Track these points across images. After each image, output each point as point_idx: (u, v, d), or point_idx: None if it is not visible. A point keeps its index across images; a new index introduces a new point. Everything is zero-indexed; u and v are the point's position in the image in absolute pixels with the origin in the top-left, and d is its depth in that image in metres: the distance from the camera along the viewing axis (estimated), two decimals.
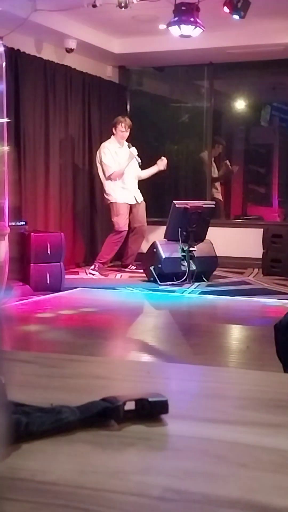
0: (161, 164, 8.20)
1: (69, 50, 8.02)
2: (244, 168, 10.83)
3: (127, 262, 8.32)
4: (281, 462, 0.68)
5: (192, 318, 5.96)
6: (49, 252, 6.58)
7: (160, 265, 7.18)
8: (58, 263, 6.68)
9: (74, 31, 7.85)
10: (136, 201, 8.04)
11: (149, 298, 6.65)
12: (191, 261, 7.25)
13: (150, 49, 8.53)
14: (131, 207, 8.03)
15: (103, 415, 0.76)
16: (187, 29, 6.75)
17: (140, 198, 8.10)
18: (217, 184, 9.80)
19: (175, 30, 6.83)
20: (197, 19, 6.67)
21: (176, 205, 7.28)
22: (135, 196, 8.03)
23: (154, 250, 7.28)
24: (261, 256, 8.18)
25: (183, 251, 7.23)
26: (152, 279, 7.26)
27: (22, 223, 6.84)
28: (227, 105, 10.30)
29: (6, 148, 6.17)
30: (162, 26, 7.33)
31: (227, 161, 9.87)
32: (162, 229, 7.47)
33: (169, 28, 6.82)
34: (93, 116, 8.82)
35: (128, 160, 7.89)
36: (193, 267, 7.26)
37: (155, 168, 8.20)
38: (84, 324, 5.48)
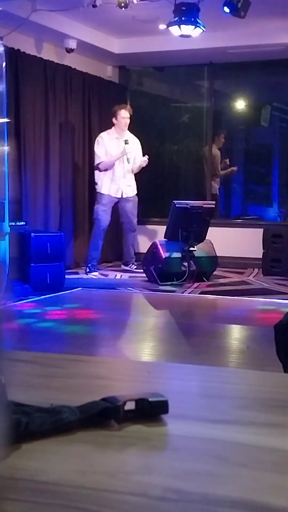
0: (144, 161, 7.96)
1: (69, 50, 8.02)
2: (244, 168, 10.83)
3: (126, 259, 8.30)
4: (281, 462, 0.68)
5: (192, 318, 5.96)
6: (49, 252, 6.58)
7: (160, 265, 7.18)
8: (58, 263, 6.68)
9: (74, 31, 7.85)
10: (122, 196, 7.94)
11: (149, 298, 6.65)
12: (191, 261, 7.25)
13: (150, 49, 8.53)
14: (118, 201, 7.97)
15: (103, 415, 0.76)
16: (187, 29, 6.75)
17: (128, 194, 7.97)
18: (218, 179, 9.76)
19: (175, 30, 6.83)
20: (197, 19, 6.67)
21: (176, 205, 7.28)
22: (122, 190, 7.93)
23: (154, 250, 7.28)
24: (261, 256, 8.18)
25: (183, 251, 7.23)
26: (152, 279, 7.26)
27: (22, 223, 6.84)
28: (227, 105, 10.30)
29: (6, 148, 6.17)
30: (162, 26, 7.33)
31: (227, 160, 9.87)
32: (162, 229, 7.47)
33: (169, 28, 6.82)
34: (93, 116, 8.82)
35: (120, 154, 7.81)
36: (193, 267, 7.26)
37: (141, 162, 7.97)
38: (84, 324, 5.48)
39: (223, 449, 0.72)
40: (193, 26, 6.71)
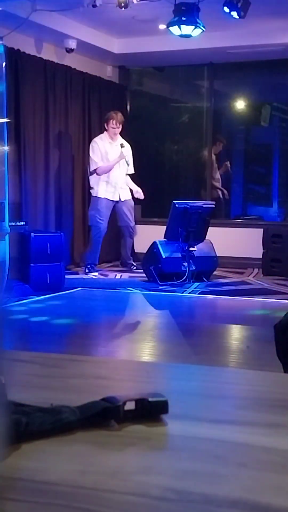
0: (139, 193, 7.98)
1: (69, 50, 8.02)
2: (244, 168, 10.83)
3: (124, 262, 8.29)
4: (281, 462, 0.68)
5: (192, 318, 5.96)
6: (49, 252, 6.58)
7: (160, 265, 7.18)
8: (58, 263, 6.68)
9: (74, 31, 7.85)
10: (120, 198, 7.91)
11: (149, 298, 6.65)
12: (191, 261, 7.25)
13: (150, 49, 8.53)
14: (116, 205, 7.95)
15: (103, 415, 0.76)
16: (187, 29, 6.75)
17: (125, 197, 7.95)
18: (217, 183, 9.78)
19: (175, 30, 6.82)
20: (197, 19, 6.67)
21: (176, 205, 7.28)
22: (119, 193, 7.90)
23: (154, 250, 7.28)
24: (261, 256, 8.18)
25: (183, 251, 7.23)
26: (152, 279, 7.26)
27: (22, 223, 6.84)
28: (227, 105, 10.30)
29: (6, 148, 6.17)
30: (162, 26, 7.33)
31: (228, 163, 9.87)
32: (162, 229, 7.47)
33: (169, 28, 6.82)
34: (93, 116, 8.82)
35: (118, 158, 7.81)
36: (193, 267, 7.26)
37: (134, 188, 7.99)
38: (84, 324, 5.48)
39: (223, 449, 0.72)
40: (193, 26, 6.71)
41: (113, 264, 8.65)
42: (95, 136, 8.21)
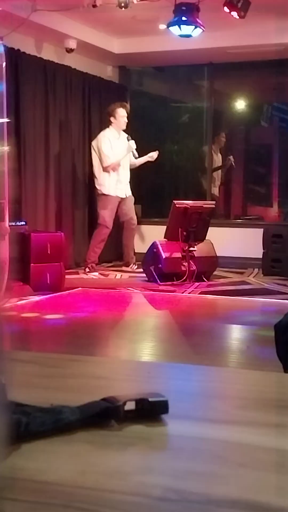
0: (152, 155, 8.08)
1: (69, 50, 8.02)
2: (244, 168, 10.83)
3: (126, 259, 8.28)
4: (281, 462, 0.68)
5: (192, 318, 5.95)
6: (49, 252, 6.58)
7: (160, 265, 7.18)
8: (58, 263, 6.68)
9: (74, 31, 7.85)
10: (126, 195, 7.96)
11: (149, 298, 6.65)
12: (191, 261, 7.25)
13: (150, 49, 8.53)
14: (121, 201, 7.96)
15: (103, 415, 0.76)
16: (187, 29, 6.75)
17: (129, 192, 8.02)
18: (217, 179, 9.75)
19: (175, 30, 6.83)
20: (197, 19, 6.66)
21: (176, 205, 7.28)
22: (126, 190, 7.96)
23: (154, 250, 7.28)
24: (261, 256, 8.18)
25: (183, 251, 7.23)
26: (152, 279, 7.26)
27: (22, 223, 6.84)
28: (227, 105, 10.30)
29: (6, 148, 6.17)
30: (162, 26, 7.33)
31: (231, 157, 9.86)
32: (162, 229, 7.47)
33: (169, 28, 6.82)
34: (93, 116, 8.82)
35: (126, 152, 7.81)
36: (193, 267, 7.26)
37: (148, 157, 8.09)
38: (84, 324, 5.48)
39: (223, 449, 0.72)
40: (193, 26, 6.71)
41: (113, 264, 8.64)
42: (95, 136, 8.20)
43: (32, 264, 6.51)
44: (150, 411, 0.78)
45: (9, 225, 6.18)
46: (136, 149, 7.90)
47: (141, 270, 7.69)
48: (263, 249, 8.15)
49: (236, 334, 5.38)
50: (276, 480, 0.64)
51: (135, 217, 8.16)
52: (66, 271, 7.08)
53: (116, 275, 7.98)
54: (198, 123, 9.72)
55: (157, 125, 10.10)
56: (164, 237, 7.39)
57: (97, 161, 7.86)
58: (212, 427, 0.78)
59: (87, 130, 8.73)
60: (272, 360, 2.20)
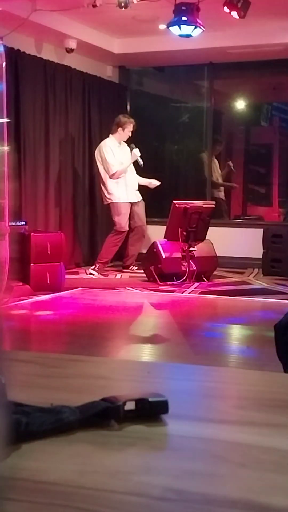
0: (153, 184, 8.12)
1: (69, 50, 8.02)
2: (244, 168, 10.83)
3: (128, 262, 8.28)
4: (281, 462, 0.68)
5: (192, 318, 5.95)
6: (49, 252, 6.58)
7: (160, 265, 7.18)
8: (58, 263, 6.68)
9: (74, 31, 7.85)
10: (137, 199, 8.01)
11: (149, 298, 6.65)
12: (191, 261, 7.25)
13: (150, 49, 8.53)
14: (132, 206, 8.00)
15: (103, 415, 0.76)
16: (187, 29, 6.75)
17: (139, 197, 8.06)
18: (219, 184, 9.77)
19: (175, 30, 6.83)
20: (197, 19, 6.66)
21: (176, 205, 7.28)
22: (136, 194, 8.01)
23: (154, 250, 7.28)
24: (261, 256, 8.18)
25: (183, 251, 7.23)
26: (152, 279, 7.26)
27: (22, 223, 6.84)
28: (227, 105, 10.30)
29: (6, 148, 6.17)
30: (162, 26, 7.33)
31: (230, 162, 9.87)
32: (162, 229, 7.47)
33: (169, 28, 6.82)
34: (93, 116, 8.82)
35: (130, 160, 7.86)
36: (193, 267, 7.26)
37: (147, 182, 8.12)
38: (84, 324, 5.48)
39: (223, 449, 0.72)
40: (193, 26, 6.71)
41: (113, 264, 8.64)
42: (95, 136, 8.21)
43: (32, 264, 6.51)
44: (150, 411, 0.78)
45: (9, 225, 6.18)
46: (140, 157, 7.89)
47: (141, 270, 7.69)
48: (263, 249, 8.15)
49: (236, 334, 5.38)
50: (276, 480, 0.64)
51: (145, 223, 8.17)
52: (66, 271, 7.08)
53: (116, 275, 7.98)
54: (198, 123, 9.72)
55: (157, 125, 10.11)
56: (164, 237, 7.39)
57: (103, 170, 7.87)
58: (212, 427, 0.78)
59: (87, 130, 8.73)
60: (272, 360, 2.20)
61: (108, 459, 0.68)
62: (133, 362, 2.63)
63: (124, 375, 1.04)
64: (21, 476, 0.64)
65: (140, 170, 8.04)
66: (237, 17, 6.65)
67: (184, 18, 6.63)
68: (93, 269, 7.84)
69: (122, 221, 7.87)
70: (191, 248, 7.25)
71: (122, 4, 6.59)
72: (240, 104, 10.34)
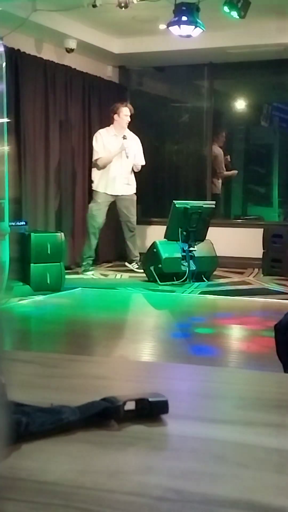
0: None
1: (69, 50, 8.02)
2: (244, 168, 10.83)
3: (130, 257, 8.20)
4: (281, 462, 0.68)
5: (192, 318, 5.95)
6: (49, 252, 6.58)
7: (160, 265, 7.18)
8: (58, 263, 6.68)
9: (74, 31, 7.85)
10: (119, 193, 7.85)
11: (149, 298, 6.65)
12: (191, 261, 7.25)
13: (150, 49, 8.53)
14: (116, 200, 7.91)
15: (103, 415, 0.76)
16: (187, 29, 6.75)
17: (126, 192, 7.88)
18: (220, 179, 9.73)
19: (175, 30, 6.82)
20: (197, 19, 6.66)
21: (176, 205, 7.28)
22: (119, 188, 7.84)
23: (154, 250, 7.28)
24: (261, 256, 8.18)
25: (183, 251, 7.23)
26: (152, 279, 7.26)
27: (22, 223, 6.84)
28: (227, 105, 10.30)
29: (6, 148, 6.17)
30: (162, 26, 7.33)
31: (228, 157, 9.87)
32: (162, 229, 7.47)
33: (169, 28, 6.82)
34: (93, 116, 8.82)
35: (118, 150, 7.74)
36: (193, 267, 7.26)
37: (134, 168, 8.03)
38: (84, 324, 5.48)
39: (223, 449, 0.72)
40: (193, 26, 6.71)
41: (113, 264, 8.64)
42: None
43: (32, 264, 6.51)
44: (150, 411, 0.78)
45: (9, 225, 6.18)
46: (140, 147, 7.83)
47: (141, 270, 7.69)
48: (263, 249, 8.15)
49: (236, 334, 5.38)
50: (276, 480, 0.64)
51: (132, 220, 8.03)
52: (66, 271, 7.08)
53: (116, 275, 7.98)
54: (198, 123, 9.72)
55: (157, 125, 10.11)
56: (164, 237, 7.39)
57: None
58: (212, 427, 0.78)
59: (87, 130, 8.72)
60: (272, 360, 2.20)
61: (108, 459, 0.68)
62: (133, 362, 2.63)
63: (124, 375, 1.04)
64: (21, 476, 0.64)
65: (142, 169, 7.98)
66: (237, 17, 6.65)
67: (184, 18, 6.63)
68: (83, 271, 7.78)
69: (93, 207, 7.81)
70: (191, 248, 7.25)
71: (122, 4, 6.59)
72: (240, 104, 10.34)
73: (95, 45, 8.32)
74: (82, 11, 6.93)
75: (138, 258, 8.13)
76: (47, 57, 8.00)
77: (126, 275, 7.91)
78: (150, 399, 0.78)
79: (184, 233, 7.26)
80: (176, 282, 7.16)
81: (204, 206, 7.50)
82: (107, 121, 8.24)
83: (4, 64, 6.09)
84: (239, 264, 8.47)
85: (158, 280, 7.16)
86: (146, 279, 7.40)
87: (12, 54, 7.20)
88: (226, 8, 6.56)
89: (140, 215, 8.92)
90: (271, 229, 8.30)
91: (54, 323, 5.54)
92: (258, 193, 11.10)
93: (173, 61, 9.05)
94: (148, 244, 7.59)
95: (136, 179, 8.14)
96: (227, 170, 9.97)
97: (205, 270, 7.43)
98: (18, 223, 6.67)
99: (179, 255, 7.24)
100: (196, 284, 7.18)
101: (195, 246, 7.31)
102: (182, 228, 7.24)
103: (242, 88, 10.10)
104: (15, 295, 6.16)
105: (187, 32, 6.82)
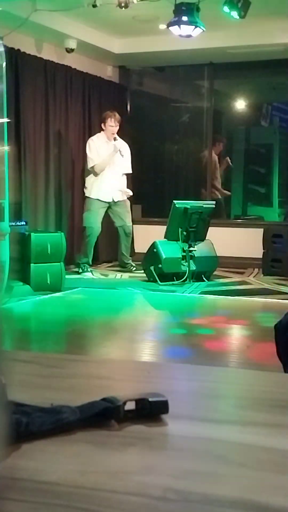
0: (128, 193, 8.03)
1: (69, 50, 8.02)
2: (244, 168, 10.83)
3: (122, 262, 8.22)
4: (281, 462, 0.68)
5: (192, 318, 5.95)
6: (49, 252, 6.58)
7: (160, 265, 7.18)
8: (58, 263, 6.68)
9: (74, 31, 7.85)
10: (113, 200, 7.84)
11: (149, 298, 6.65)
12: (191, 261, 7.25)
13: (150, 49, 8.53)
14: (110, 206, 7.89)
15: (104, 415, 0.76)
16: (187, 29, 6.75)
17: (119, 198, 7.88)
18: (218, 182, 9.75)
19: (175, 30, 6.82)
20: (197, 19, 6.66)
21: (177, 205, 7.28)
22: (113, 195, 7.83)
23: (155, 250, 7.28)
24: (261, 256, 8.18)
25: (184, 251, 7.23)
26: (152, 279, 7.26)
27: (22, 223, 6.84)
28: (227, 105, 10.31)
29: (6, 148, 6.17)
30: (162, 26, 7.33)
31: (228, 158, 9.88)
32: (162, 229, 7.47)
33: (169, 28, 6.82)
34: (93, 116, 8.81)
35: (111, 155, 7.75)
36: (194, 267, 7.26)
37: (124, 190, 8.01)
38: (84, 324, 5.48)
39: (223, 449, 0.72)
40: (193, 26, 6.71)
41: (113, 264, 8.64)
42: None
43: (32, 264, 6.51)
44: (150, 411, 0.78)
45: (9, 225, 6.18)
46: (129, 154, 7.83)
47: (141, 270, 7.69)
48: (263, 249, 8.16)
49: (236, 334, 5.38)
50: (276, 480, 0.64)
51: (128, 224, 8.02)
52: (66, 271, 7.08)
53: (116, 275, 7.98)
54: (198, 123, 9.72)
55: (157, 125, 10.11)
56: (164, 237, 7.39)
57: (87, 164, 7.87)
58: (212, 427, 0.78)
59: (87, 130, 8.72)
60: (272, 360, 2.20)
61: (108, 459, 0.68)
62: (133, 362, 2.63)
63: (124, 375, 1.04)
64: (21, 476, 0.64)
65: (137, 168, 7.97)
66: (237, 17, 6.65)
67: (184, 18, 6.63)
68: (81, 273, 7.78)
69: (86, 216, 7.80)
70: (191, 248, 7.25)
71: (122, 4, 6.58)
72: (240, 104, 10.34)
73: (95, 45, 8.32)
74: (82, 11, 6.93)
75: (130, 261, 8.14)
76: (47, 57, 8.00)
77: (126, 275, 7.92)
78: (150, 399, 0.78)
79: (184, 233, 7.26)
80: (176, 282, 7.16)
81: (204, 206, 7.50)
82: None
83: (4, 64, 6.09)
84: (239, 264, 8.47)
85: (158, 280, 7.16)
86: (146, 279, 7.40)
87: (12, 54, 7.20)
88: (226, 8, 6.55)
89: (140, 215, 8.93)
90: (271, 229, 8.30)
91: (54, 323, 5.54)
92: (258, 193, 11.10)
93: (173, 61, 9.06)
94: (148, 244, 7.59)
95: (136, 179, 8.14)
96: (227, 170, 9.98)
97: (205, 270, 7.43)
98: (18, 223, 6.66)
99: (179, 255, 7.24)
100: (196, 284, 7.18)
101: (195, 246, 7.30)
102: (182, 228, 7.24)
103: (242, 88, 10.11)
104: (15, 295, 6.16)
105: (187, 32, 6.82)
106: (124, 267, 8.20)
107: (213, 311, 6.30)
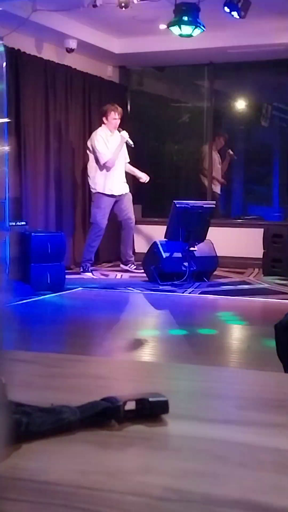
0: (145, 177, 8.11)
1: (70, 50, 8.02)
2: (244, 168, 10.83)
3: (125, 258, 8.22)
4: (281, 462, 0.68)
5: (192, 318, 5.95)
6: (49, 252, 6.58)
7: (160, 265, 7.18)
8: (58, 263, 6.68)
9: (74, 31, 7.85)
10: (120, 193, 7.86)
11: (149, 298, 6.65)
12: (191, 261, 7.25)
13: (150, 49, 8.53)
14: (115, 200, 7.92)
15: (104, 415, 0.76)
16: (187, 29, 6.75)
17: (124, 191, 7.92)
18: (218, 174, 9.73)
19: (175, 30, 6.83)
20: (197, 19, 6.67)
21: (177, 205, 7.28)
22: (120, 188, 7.86)
23: (155, 250, 7.28)
24: (261, 256, 8.18)
25: (184, 251, 7.23)
26: (152, 279, 7.26)
27: (22, 223, 6.84)
28: (227, 105, 10.30)
29: (6, 148, 6.17)
30: (162, 26, 7.33)
31: (230, 150, 9.87)
32: (163, 229, 7.47)
33: (169, 28, 6.83)
34: (93, 116, 8.81)
35: (120, 146, 7.77)
36: (194, 267, 7.26)
37: (139, 174, 8.11)
38: (84, 324, 5.48)
39: (223, 449, 0.72)
40: (193, 26, 6.71)
41: (113, 264, 8.64)
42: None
43: (32, 264, 6.51)
44: (150, 411, 0.78)
45: (9, 225, 6.18)
46: (134, 148, 7.85)
47: (141, 270, 7.69)
48: (263, 249, 8.15)
49: (236, 334, 5.38)
50: (276, 480, 0.64)
51: (133, 216, 8.07)
52: (66, 271, 7.08)
53: (116, 275, 7.98)
54: (198, 123, 9.72)
55: (157, 125, 10.11)
56: (164, 237, 7.39)
57: (92, 160, 7.83)
58: (212, 427, 0.78)
59: (87, 130, 8.72)
60: (272, 360, 2.20)
61: (108, 459, 0.68)
62: (133, 362, 2.63)
63: (124, 375, 1.04)
64: (21, 476, 0.64)
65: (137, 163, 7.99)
66: (237, 17, 6.65)
67: (184, 18, 6.63)
68: (83, 271, 7.79)
69: (97, 213, 7.79)
70: (191, 248, 7.25)
71: (122, 4, 6.59)
72: (240, 104, 10.34)
73: (95, 45, 8.33)
74: (82, 11, 6.93)
75: (133, 259, 8.14)
76: (47, 57, 8.01)
77: (126, 275, 7.92)
78: (150, 399, 0.78)
79: (185, 233, 7.26)
80: (176, 282, 7.16)
81: (204, 206, 7.50)
82: (100, 120, 8.23)
83: (4, 64, 6.09)
84: (239, 264, 8.47)
85: (158, 280, 7.16)
86: (146, 279, 7.40)
87: (12, 54, 7.20)
88: (226, 8, 6.56)
89: (140, 215, 8.92)
90: (272, 229, 8.30)
91: (54, 323, 5.54)
92: (259, 193, 11.10)
93: (173, 61, 9.06)
94: (148, 244, 7.59)
95: (136, 179, 8.15)
96: (231, 162, 9.96)
97: (205, 270, 7.43)
98: (18, 223, 6.67)
99: (179, 255, 7.24)
100: (196, 284, 7.18)
101: (195, 246, 7.30)
102: (182, 228, 7.24)
103: (242, 88, 10.10)
104: (15, 295, 6.16)
105: (187, 32, 6.82)
106: (126, 264, 8.16)
107: (213, 311, 6.30)
